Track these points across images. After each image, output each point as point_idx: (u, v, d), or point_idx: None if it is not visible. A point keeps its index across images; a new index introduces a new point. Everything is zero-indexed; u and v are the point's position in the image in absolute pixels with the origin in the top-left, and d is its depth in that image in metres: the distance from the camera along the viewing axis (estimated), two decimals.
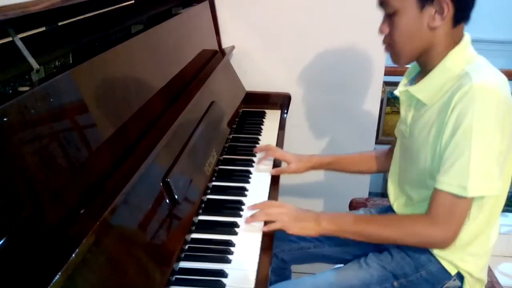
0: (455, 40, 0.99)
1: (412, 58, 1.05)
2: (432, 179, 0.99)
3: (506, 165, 0.98)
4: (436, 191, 0.96)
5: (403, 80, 1.15)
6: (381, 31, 1.04)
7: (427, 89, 1.02)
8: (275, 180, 1.31)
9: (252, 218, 1.07)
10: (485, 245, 1.06)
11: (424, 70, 1.05)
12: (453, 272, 1.05)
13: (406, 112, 1.11)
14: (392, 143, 1.29)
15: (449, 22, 0.97)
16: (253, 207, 1.10)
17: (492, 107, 0.90)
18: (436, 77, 1.00)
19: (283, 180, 1.35)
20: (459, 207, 0.94)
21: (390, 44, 1.03)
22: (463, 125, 0.90)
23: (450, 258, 1.05)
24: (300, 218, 1.05)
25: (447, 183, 0.93)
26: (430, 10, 0.96)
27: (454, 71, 0.97)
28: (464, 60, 0.98)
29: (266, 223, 1.06)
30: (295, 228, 1.04)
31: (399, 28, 0.99)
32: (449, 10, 0.94)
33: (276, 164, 1.39)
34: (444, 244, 0.99)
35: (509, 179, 1.04)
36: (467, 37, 1.01)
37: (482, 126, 0.89)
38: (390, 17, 1.00)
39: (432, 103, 1.01)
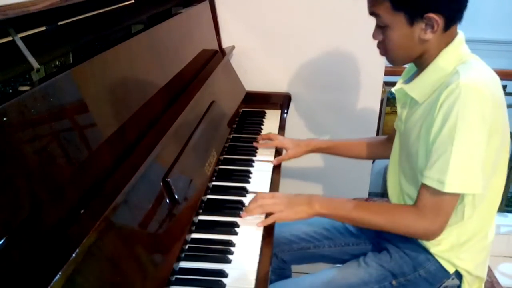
0: (448, 40, 1.00)
1: (407, 61, 1.08)
2: (421, 175, 1.00)
3: (501, 160, 0.99)
4: (421, 185, 0.98)
5: (400, 79, 1.16)
6: (374, 37, 1.05)
7: (419, 87, 1.03)
8: (275, 181, 1.31)
9: (246, 212, 1.08)
10: (482, 243, 1.06)
11: (419, 69, 1.07)
12: (451, 270, 1.06)
13: (401, 109, 1.12)
14: (391, 134, 1.30)
15: (440, 30, 0.97)
16: (246, 210, 1.10)
17: (477, 105, 0.90)
18: (428, 76, 1.01)
19: (283, 180, 1.35)
20: (444, 202, 0.95)
21: (384, 50, 1.05)
22: (448, 122, 0.91)
23: (448, 257, 1.05)
24: (293, 203, 1.06)
25: (429, 177, 0.95)
26: (420, 25, 0.96)
27: (446, 69, 0.98)
28: (456, 59, 0.99)
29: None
30: (291, 215, 1.06)
31: (391, 41, 1.01)
32: (439, 23, 0.95)
33: (278, 151, 1.44)
34: (429, 236, 1.00)
35: (503, 176, 1.04)
36: (460, 36, 1.01)
37: (466, 124, 0.90)
38: (382, 27, 1.01)
39: (423, 100, 1.02)
